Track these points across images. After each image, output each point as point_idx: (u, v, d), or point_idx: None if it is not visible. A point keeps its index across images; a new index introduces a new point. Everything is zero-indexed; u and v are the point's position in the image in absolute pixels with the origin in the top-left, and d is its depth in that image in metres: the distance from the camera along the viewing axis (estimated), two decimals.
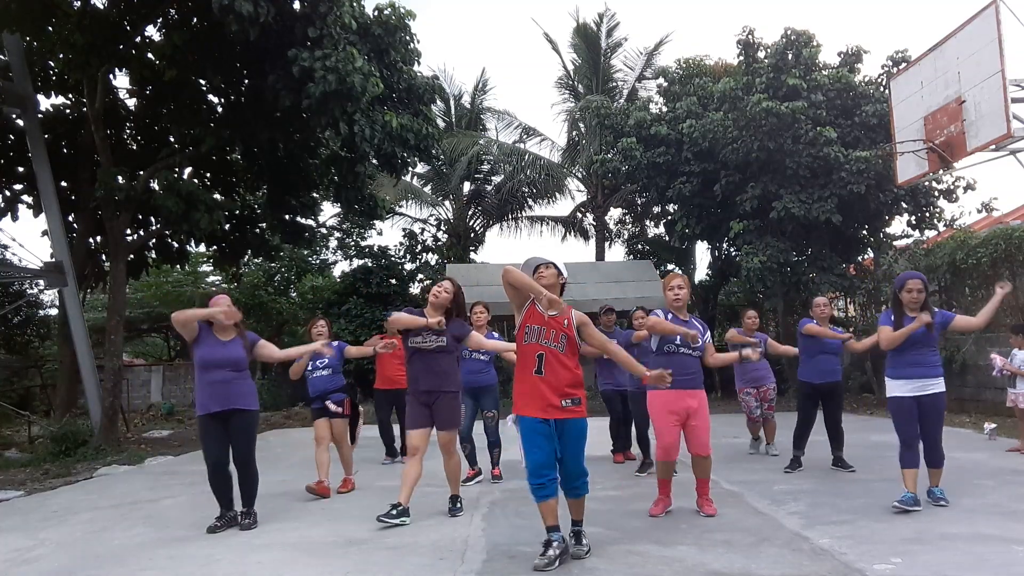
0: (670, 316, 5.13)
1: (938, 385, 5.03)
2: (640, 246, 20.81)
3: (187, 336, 5.13)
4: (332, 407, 6.34)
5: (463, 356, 6.16)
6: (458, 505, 5.32)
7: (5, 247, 15.15)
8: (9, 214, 12.22)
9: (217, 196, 12.23)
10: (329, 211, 20.73)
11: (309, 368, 6.42)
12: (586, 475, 4.17)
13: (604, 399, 7.84)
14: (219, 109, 11.30)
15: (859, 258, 15.35)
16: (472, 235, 21.85)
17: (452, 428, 5.19)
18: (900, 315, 5.05)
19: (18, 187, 12.33)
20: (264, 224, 13.28)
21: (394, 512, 4.94)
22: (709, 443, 5.09)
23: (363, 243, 20.64)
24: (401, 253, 19.71)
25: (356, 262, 19.52)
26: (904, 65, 12.44)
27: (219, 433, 5.06)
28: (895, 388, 5.08)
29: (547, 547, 3.96)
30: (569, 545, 4.10)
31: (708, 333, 5.31)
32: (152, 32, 10.43)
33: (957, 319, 5.26)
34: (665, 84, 16.78)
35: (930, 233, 14.38)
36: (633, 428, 7.34)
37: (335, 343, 6.60)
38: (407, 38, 11.25)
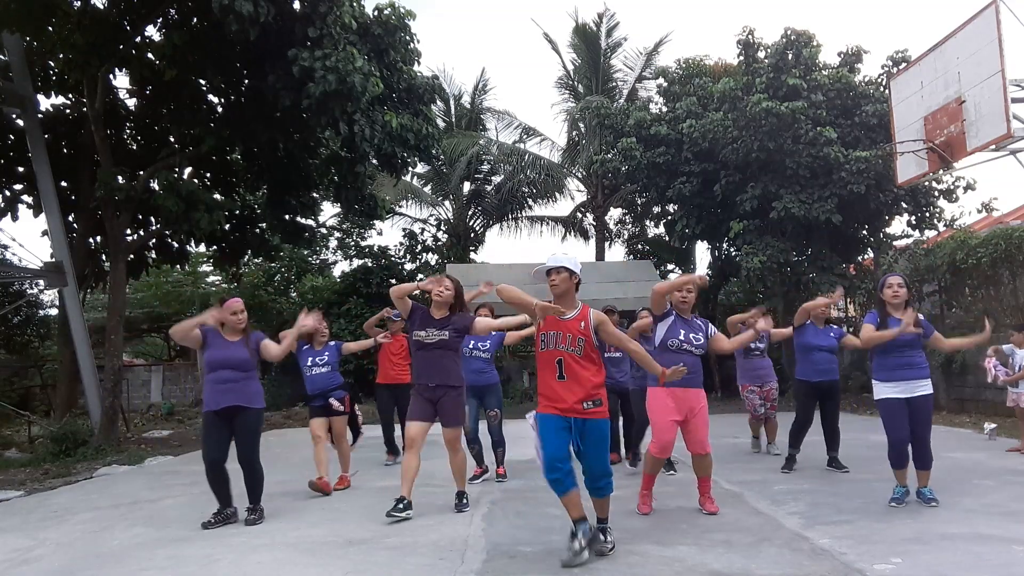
0: (674, 315, 5.16)
1: (927, 386, 5.06)
2: (640, 246, 20.82)
3: (192, 346, 5.34)
4: (335, 404, 6.37)
5: (465, 355, 6.17)
6: (464, 501, 5.38)
7: (5, 247, 15.18)
8: (9, 214, 12.23)
9: (217, 196, 12.22)
10: (329, 211, 20.75)
11: (308, 365, 6.44)
12: (610, 475, 4.20)
13: None
14: (219, 109, 11.30)
15: (859, 258, 15.36)
16: (472, 235, 21.83)
17: (457, 425, 5.27)
18: (884, 315, 5.10)
19: (18, 187, 12.33)
20: (264, 224, 13.29)
21: (400, 506, 5.03)
22: (708, 441, 5.10)
23: (363, 243, 20.66)
24: (401, 253, 19.72)
25: (356, 262, 19.57)
26: (904, 65, 12.43)
27: (220, 431, 5.15)
28: (884, 390, 5.09)
29: (572, 538, 3.96)
30: (597, 539, 4.10)
31: (711, 327, 5.31)
32: (152, 32, 10.45)
33: (934, 337, 5.27)
34: (665, 84, 16.75)
35: (930, 233, 14.39)
36: (621, 426, 7.28)
37: (332, 343, 6.64)
38: (407, 38, 11.26)
